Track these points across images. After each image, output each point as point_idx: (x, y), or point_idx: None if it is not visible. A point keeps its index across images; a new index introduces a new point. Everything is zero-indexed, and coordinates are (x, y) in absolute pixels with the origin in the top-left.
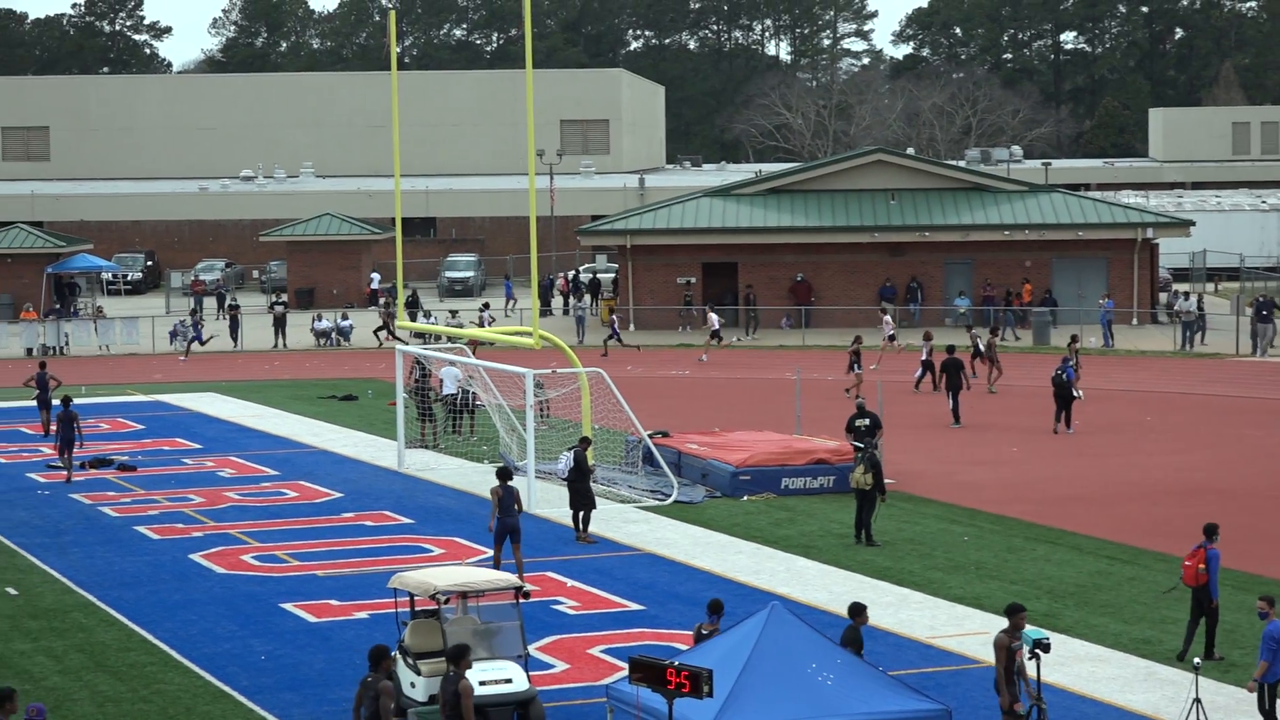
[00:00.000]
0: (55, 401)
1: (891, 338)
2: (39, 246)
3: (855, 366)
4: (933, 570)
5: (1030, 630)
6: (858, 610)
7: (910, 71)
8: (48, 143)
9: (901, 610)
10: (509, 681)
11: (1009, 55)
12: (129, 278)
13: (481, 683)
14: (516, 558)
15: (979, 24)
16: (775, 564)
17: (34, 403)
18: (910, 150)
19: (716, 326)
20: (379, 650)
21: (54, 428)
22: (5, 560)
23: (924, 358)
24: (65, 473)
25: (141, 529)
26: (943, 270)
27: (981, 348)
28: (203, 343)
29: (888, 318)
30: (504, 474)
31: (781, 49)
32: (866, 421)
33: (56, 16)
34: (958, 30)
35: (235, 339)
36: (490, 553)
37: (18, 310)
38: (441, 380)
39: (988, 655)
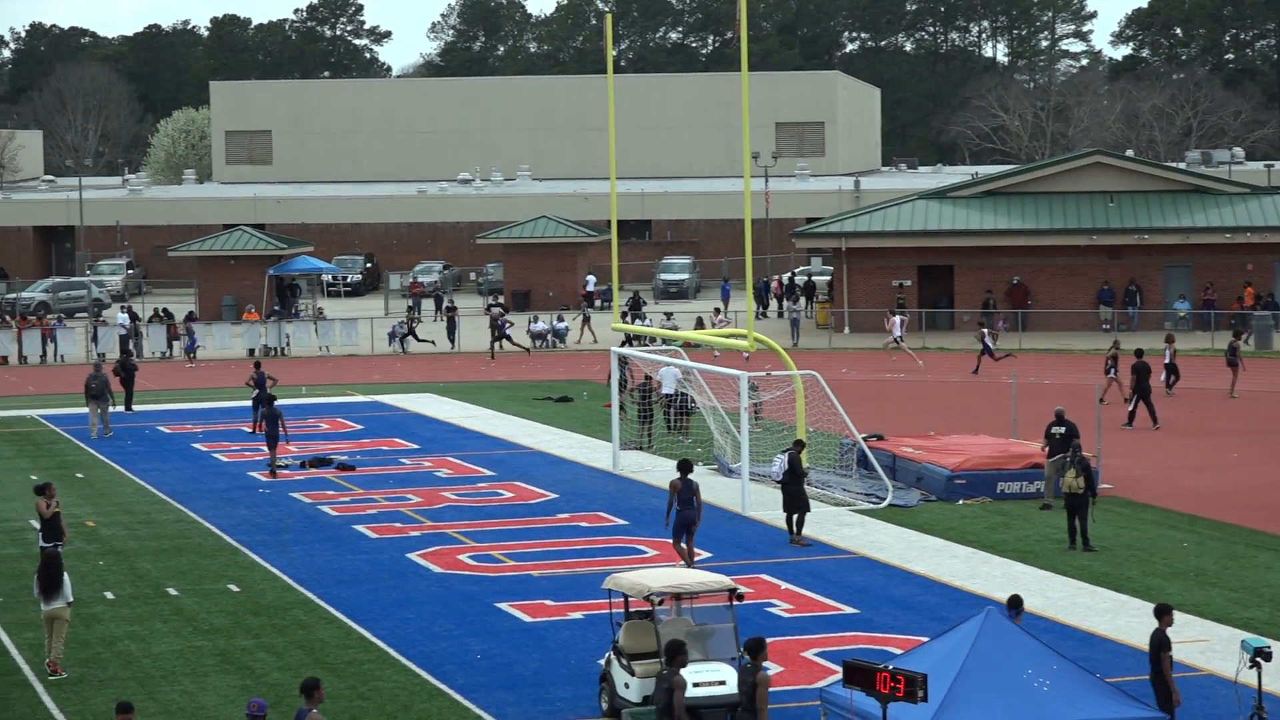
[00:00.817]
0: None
1: (899, 339)
2: (261, 249)
3: (1111, 370)
4: (1151, 576)
5: (1250, 638)
6: (1015, 603)
7: (1129, 72)
8: (270, 146)
9: (1119, 616)
10: (722, 683)
11: (1231, 56)
12: (348, 280)
13: (695, 684)
14: (689, 550)
15: (1200, 24)
16: (990, 569)
17: (250, 403)
18: (1129, 152)
19: (898, 334)
20: (310, 681)
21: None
22: (228, 558)
23: (1166, 360)
24: (283, 470)
25: (360, 528)
26: (1162, 273)
27: (1169, 358)
28: (419, 339)
29: (897, 318)
30: (684, 467)
31: (999, 50)
32: (1063, 430)
33: (279, 22)
34: (1178, 31)
35: (452, 340)
36: (703, 555)
37: (240, 311)
38: (660, 381)
39: (1207, 663)
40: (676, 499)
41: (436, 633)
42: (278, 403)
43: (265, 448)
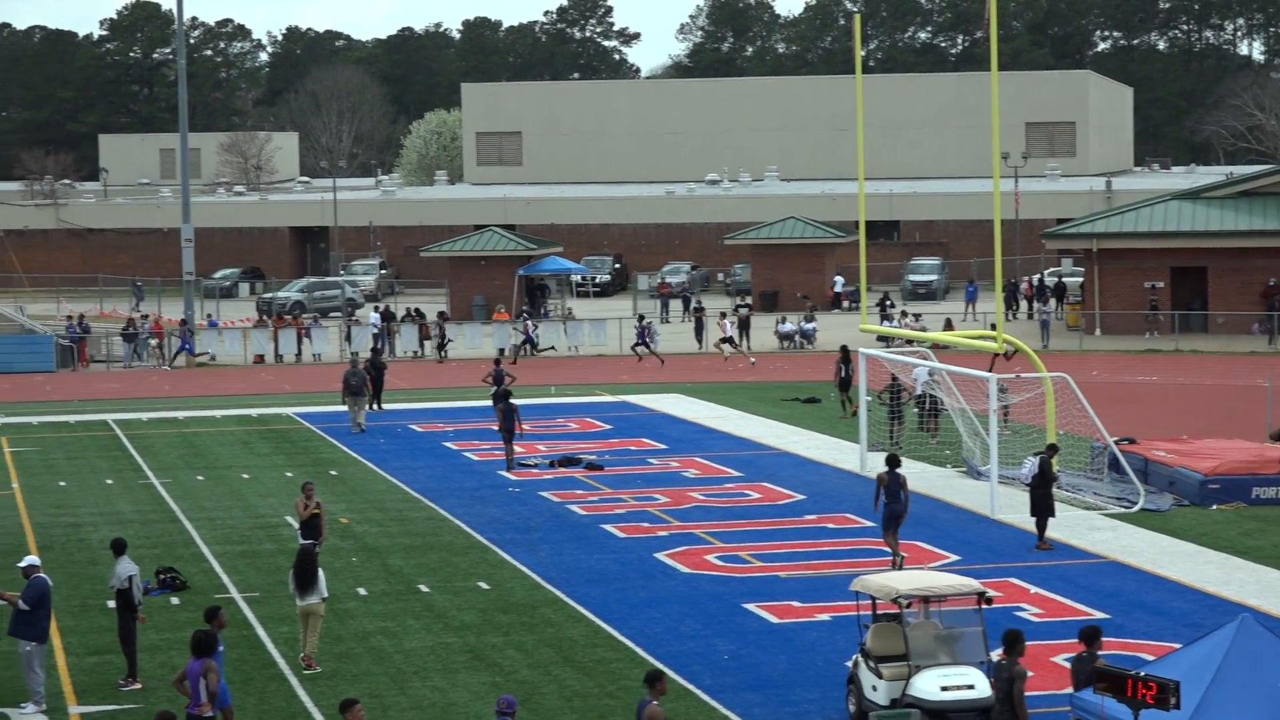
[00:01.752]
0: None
1: (729, 340)
2: (511, 249)
3: None
4: None
5: None
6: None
7: None
8: (520, 148)
9: None
10: (971, 688)
11: None
12: (597, 280)
13: (943, 688)
14: (893, 543)
15: None
16: (1244, 575)
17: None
18: None
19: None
20: (653, 672)
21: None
22: (478, 556)
23: None
24: (526, 467)
25: (608, 527)
26: None
27: None
28: (648, 347)
29: (909, 320)
30: (892, 461)
31: (1254, 48)
32: None
33: (529, 24)
34: None
35: (700, 341)
36: (951, 558)
37: (490, 311)
38: (914, 380)
39: None
40: (884, 492)
41: (684, 632)
42: (546, 401)
43: (503, 444)
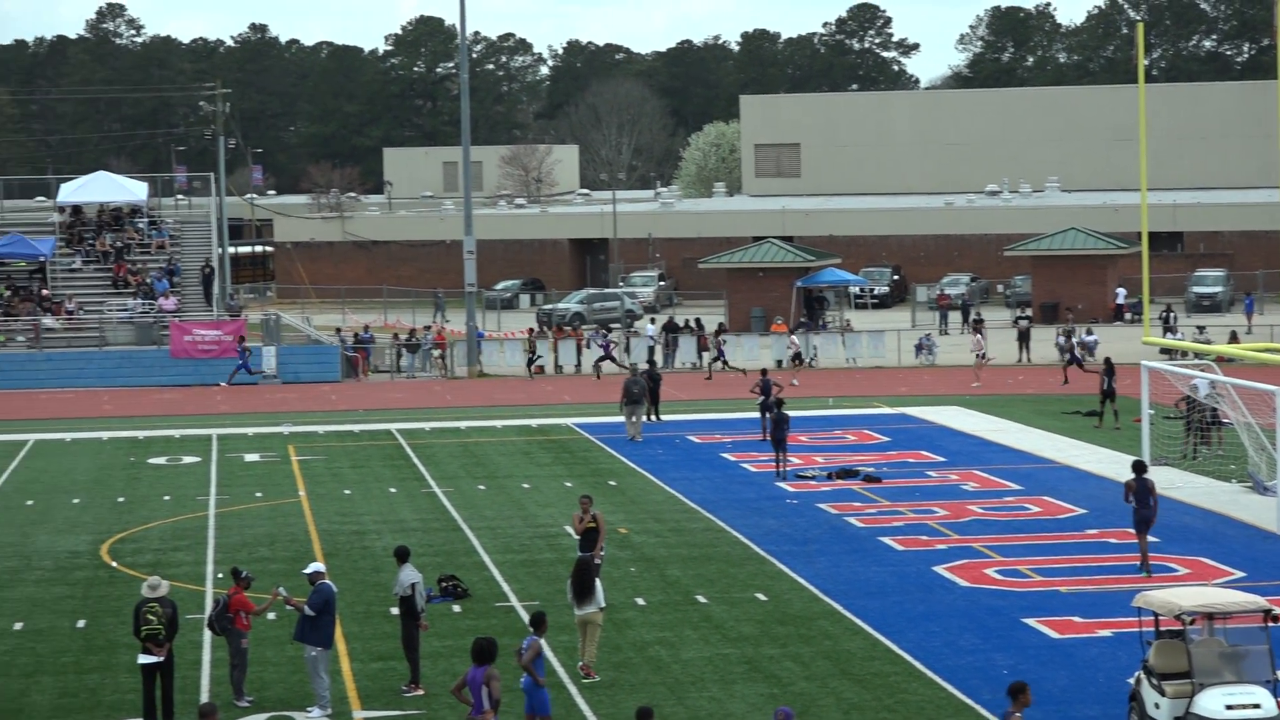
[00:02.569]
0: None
1: (981, 356)
2: (789, 261)
3: None
4: None
5: None
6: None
7: None
8: (798, 159)
9: None
10: (1257, 707)
11: None
12: (875, 291)
13: (1228, 706)
14: (1144, 547)
15: None
16: None
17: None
18: None
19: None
20: (1016, 685)
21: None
22: (755, 567)
23: None
24: (804, 479)
25: (886, 540)
26: None
27: None
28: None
29: (978, 337)
30: (1138, 467)
31: None
32: None
33: (808, 35)
34: None
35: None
36: (1236, 574)
37: (768, 323)
38: (1195, 388)
39: None
40: (1133, 497)
41: (962, 647)
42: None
43: (774, 453)
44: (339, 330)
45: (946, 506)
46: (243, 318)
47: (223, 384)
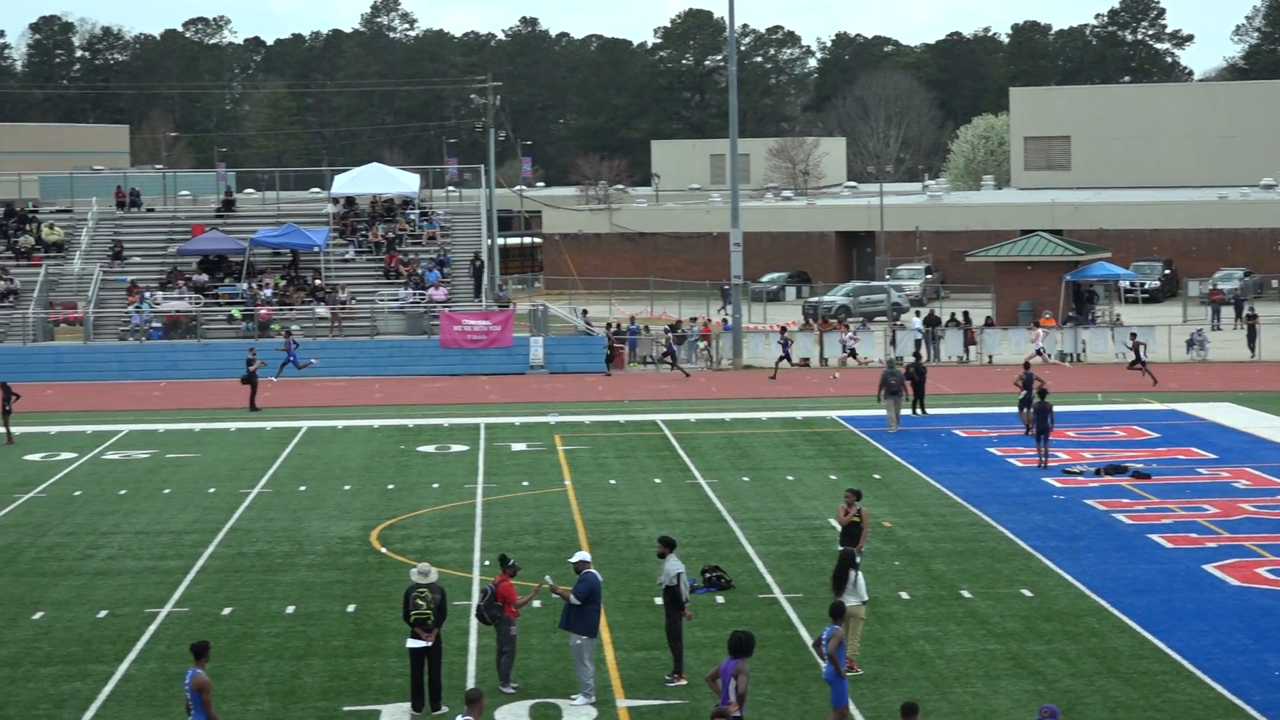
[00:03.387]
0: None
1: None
2: (1058, 254)
3: None
4: None
5: None
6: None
7: None
8: (1069, 152)
9: None
10: None
11: None
12: (1146, 286)
13: None
14: None
15: None
16: None
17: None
18: None
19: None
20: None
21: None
22: (1021, 563)
23: None
24: (1073, 474)
25: (1155, 537)
26: None
27: None
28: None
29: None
30: None
31: None
32: None
33: (1079, 27)
34: None
35: (1252, 349)
36: None
37: (1036, 316)
38: None
39: None
40: None
41: (1233, 647)
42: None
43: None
44: (583, 312)
45: (1217, 504)
46: (511, 308)
47: (273, 379)
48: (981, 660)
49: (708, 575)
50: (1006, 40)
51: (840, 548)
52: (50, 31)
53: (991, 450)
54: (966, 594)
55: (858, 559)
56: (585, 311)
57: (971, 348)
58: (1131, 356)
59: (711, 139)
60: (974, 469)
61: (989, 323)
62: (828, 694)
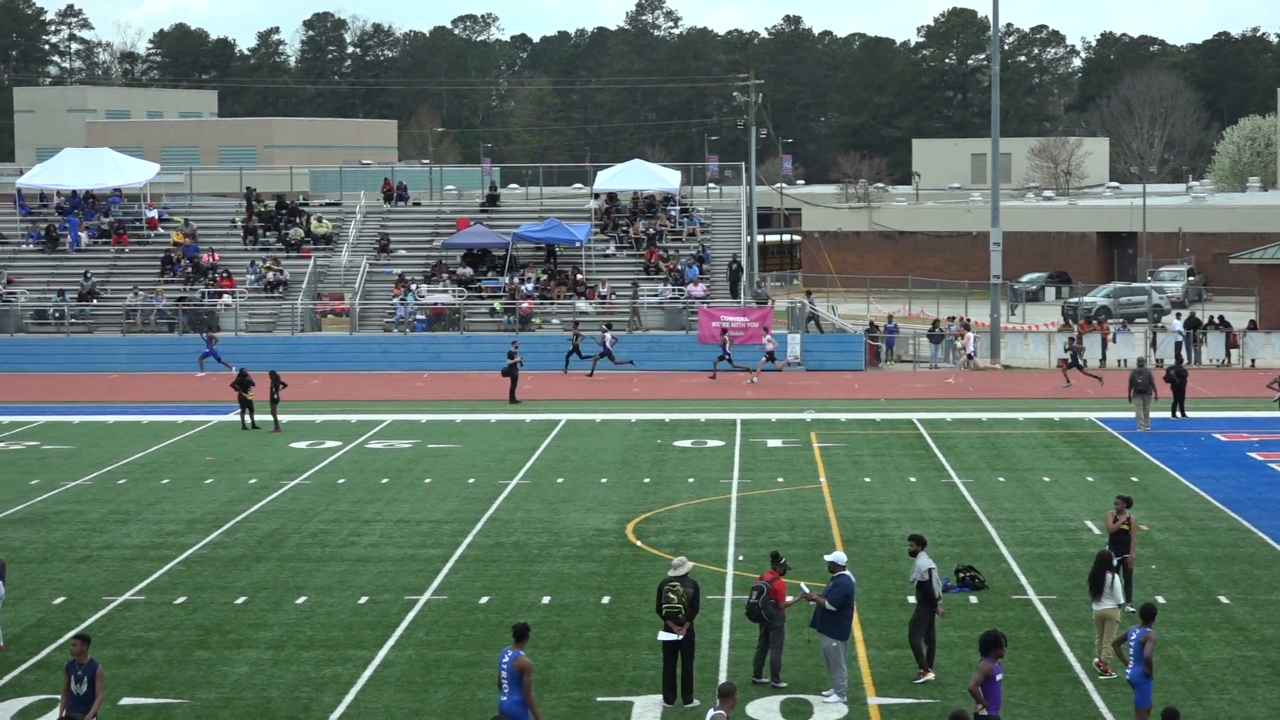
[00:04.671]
0: None
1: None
2: None
3: None
4: None
5: None
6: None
7: None
8: None
9: None
10: None
11: None
12: None
13: None
14: None
15: None
16: None
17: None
18: None
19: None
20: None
21: None
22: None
23: None
24: None
25: None
26: None
27: None
28: (1079, 366)
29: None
30: None
31: None
32: None
33: None
34: None
35: None
36: None
37: None
38: None
39: None
40: None
41: None
42: None
43: None
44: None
45: None
46: (769, 305)
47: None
48: (1239, 667)
49: (961, 575)
50: (1276, 41)
51: (1100, 549)
52: (323, 28)
53: (1252, 455)
54: (1224, 600)
55: (1115, 561)
56: (834, 308)
57: (1233, 351)
58: None
59: (973, 138)
60: (1234, 473)
61: (1252, 326)
62: (1080, 696)
